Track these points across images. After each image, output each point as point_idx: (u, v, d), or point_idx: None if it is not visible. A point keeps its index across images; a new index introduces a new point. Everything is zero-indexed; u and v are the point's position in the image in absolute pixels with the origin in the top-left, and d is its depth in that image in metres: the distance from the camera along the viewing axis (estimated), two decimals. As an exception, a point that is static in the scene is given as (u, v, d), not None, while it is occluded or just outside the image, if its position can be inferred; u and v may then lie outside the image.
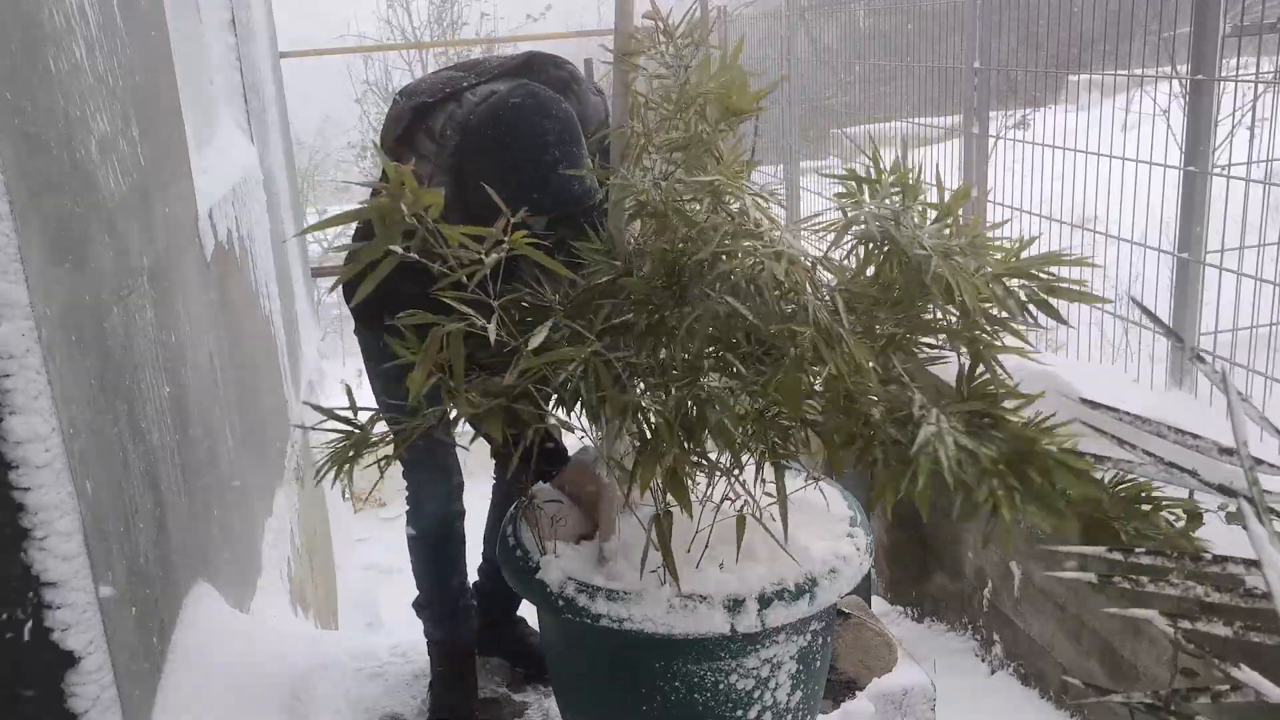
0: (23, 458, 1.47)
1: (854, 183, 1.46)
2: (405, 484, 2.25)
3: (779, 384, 1.38)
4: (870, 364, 1.36)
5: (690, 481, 1.54)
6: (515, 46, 8.51)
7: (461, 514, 2.27)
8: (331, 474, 1.63)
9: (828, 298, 1.40)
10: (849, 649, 2.39)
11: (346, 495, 5.99)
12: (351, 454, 1.61)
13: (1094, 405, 1.47)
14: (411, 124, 1.91)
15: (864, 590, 3.06)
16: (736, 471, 1.59)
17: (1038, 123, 3.59)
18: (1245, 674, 1.13)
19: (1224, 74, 2.81)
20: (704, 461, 1.56)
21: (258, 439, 3.22)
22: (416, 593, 2.33)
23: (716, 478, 1.63)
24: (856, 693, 2.26)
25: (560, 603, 1.65)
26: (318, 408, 1.71)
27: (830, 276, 1.49)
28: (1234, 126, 2.94)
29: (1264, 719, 1.10)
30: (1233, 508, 1.37)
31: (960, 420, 1.34)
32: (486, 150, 1.82)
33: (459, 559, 2.30)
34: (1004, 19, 3.78)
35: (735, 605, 1.58)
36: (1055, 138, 3.42)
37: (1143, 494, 1.52)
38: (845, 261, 1.51)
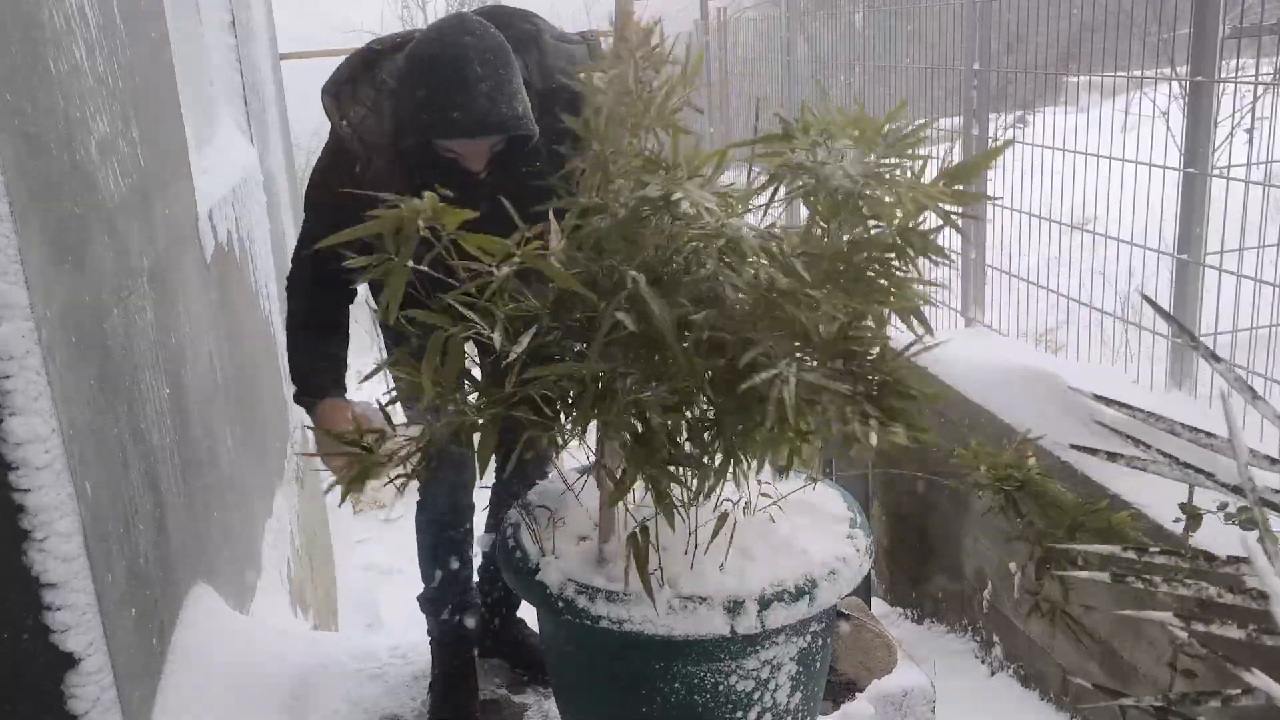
0: (22, 459, 1.47)
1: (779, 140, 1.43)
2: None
3: (677, 371, 1.39)
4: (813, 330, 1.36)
5: (681, 486, 1.53)
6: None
7: (472, 508, 2.27)
8: (341, 490, 1.63)
9: (753, 272, 1.39)
10: (848, 650, 2.39)
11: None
12: (362, 477, 1.61)
13: (1107, 402, 1.47)
14: (357, 70, 1.91)
15: (864, 592, 3.06)
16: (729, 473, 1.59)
17: (1038, 124, 3.59)
18: (1258, 678, 1.12)
19: (1223, 75, 2.81)
20: (689, 467, 1.55)
21: (257, 440, 3.23)
22: (421, 587, 2.33)
23: (711, 481, 1.63)
24: (856, 694, 2.26)
25: (560, 604, 1.65)
26: (329, 432, 1.71)
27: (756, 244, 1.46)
28: (1233, 128, 2.94)
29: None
30: (1233, 508, 1.37)
31: (829, 369, 1.36)
32: (411, 75, 1.79)
33: (467, 553, 2.29)
34: (1004, 20, 3.78)
35: (735, 607, 1.58)
36: (1055, 139, 3.42)
37: (1110, 525, 1.50)
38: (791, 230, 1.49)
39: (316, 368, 2.02)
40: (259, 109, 4.40)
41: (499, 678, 2.44)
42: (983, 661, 3.47)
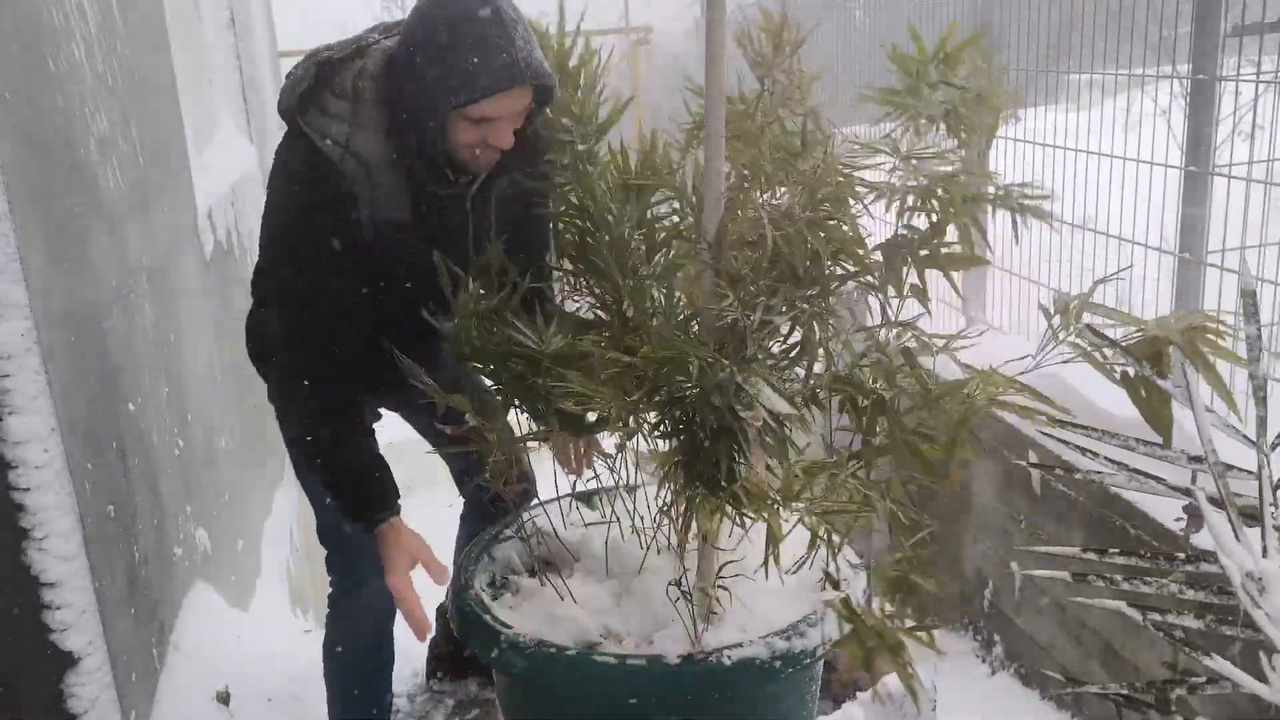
0: (22, 458, 1.47)
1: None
2: (330, 584, 1.98)
3: None
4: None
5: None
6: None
7: (394, 614, 1.95)
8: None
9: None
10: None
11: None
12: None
13: (1062, 424, 1.50)
14: (316, 83, 1.62)
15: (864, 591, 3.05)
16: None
17: (1040, 121, 3.58)
18: (1217, 663, 1.16)
19: (1225, 73, 2.80)
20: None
21: (257, 439, 3.22)
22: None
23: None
24: (857, 694, 2.26)
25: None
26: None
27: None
28: (1235, 126, 2.94)
29: (1243, 708, 1.13)
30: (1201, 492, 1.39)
31: None
32: (446, 31, 1.57)
33: (390, 676, 2.06)
34: (1002, 17, 3.78)
35: (703, 658, 1.55)
36: (1055, 138, 3.41)
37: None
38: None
39: (377, 473, 1.70)
40: (258, 106, 4.39)
41: (486, 680, 2.44)
42: (983, 661, 3.47)
